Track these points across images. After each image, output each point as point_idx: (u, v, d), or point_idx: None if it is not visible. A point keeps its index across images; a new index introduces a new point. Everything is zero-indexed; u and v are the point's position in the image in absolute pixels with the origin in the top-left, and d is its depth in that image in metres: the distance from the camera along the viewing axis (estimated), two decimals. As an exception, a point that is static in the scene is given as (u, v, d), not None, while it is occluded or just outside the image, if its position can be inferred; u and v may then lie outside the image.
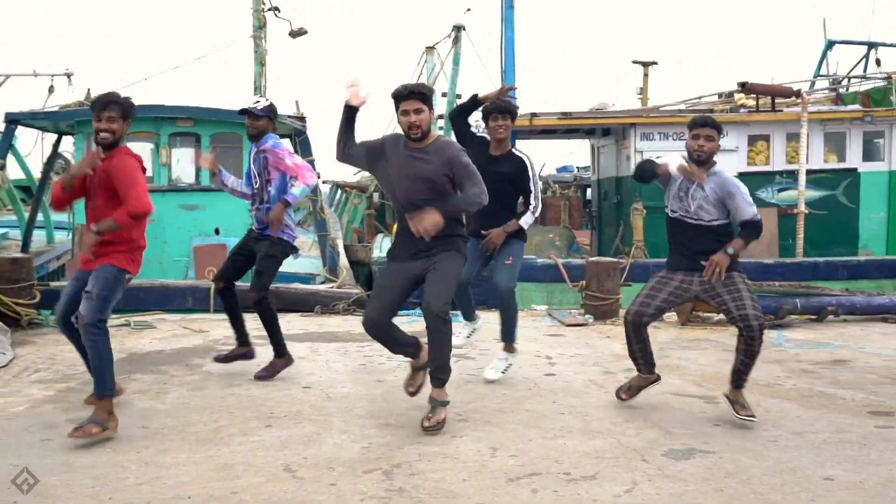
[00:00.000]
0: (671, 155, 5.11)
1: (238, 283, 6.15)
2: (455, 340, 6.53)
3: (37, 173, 15.36)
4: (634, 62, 24.55)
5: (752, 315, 4.79)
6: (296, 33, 16.57)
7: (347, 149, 4.86)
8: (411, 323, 8.85)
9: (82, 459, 4.17)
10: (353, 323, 8.74)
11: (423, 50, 22.93)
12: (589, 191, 20.77)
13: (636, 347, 5.27)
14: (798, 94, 14.39)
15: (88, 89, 14.67)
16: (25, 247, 13.02)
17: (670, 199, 5.12)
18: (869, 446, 4.46)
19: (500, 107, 5.95)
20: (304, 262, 13.36)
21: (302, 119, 13.00)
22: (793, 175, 14.28)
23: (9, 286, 8.35)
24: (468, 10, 21.93)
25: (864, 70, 19.59)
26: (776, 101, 14.61)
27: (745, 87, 14.51)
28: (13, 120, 12.21)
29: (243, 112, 6.06)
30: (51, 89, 17.70)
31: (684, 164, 4.90)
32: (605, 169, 16.49)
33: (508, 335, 6.05)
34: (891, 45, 20.04)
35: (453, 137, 5.95)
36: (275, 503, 3.58)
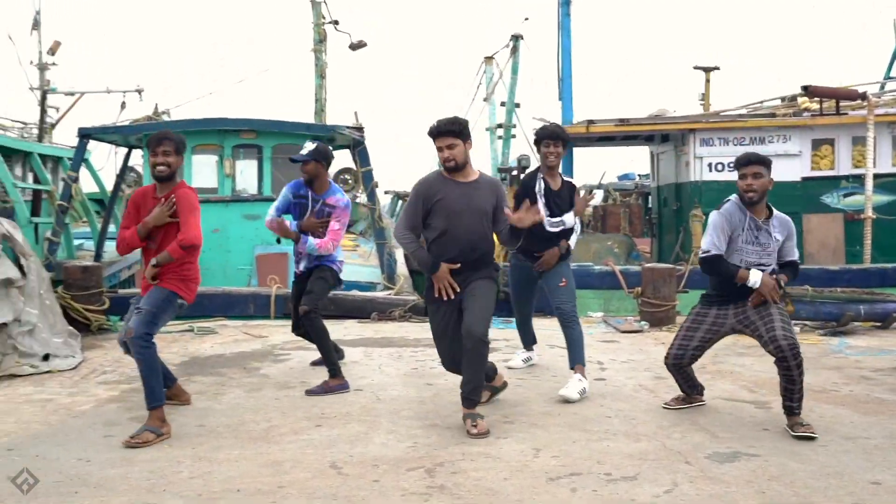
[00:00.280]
0: (753, 273, 4.89)
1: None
2: (511, 362, 6.68)
3: (109, 186, 15.93)
4: (696, 67, 24.32)
5: (781, 335, 4.70)
6: (356, 46, 16.93)
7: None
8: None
9: (141, 455, 4.37)
10: (408, 329, 8.87)
11: (482, 60, 23.16)
12: (650, 198, 20.55)
13: (679, 380, 5.33)
14: (863, 96, 14.01)
15: (156, 104, 15.22)
16: (98, 257, 13.49)
17: (732, 252, 4.96)
18: (923, 452, 4.37)
19: (552, 132, 5.99)
20: (363, 270, 13.57)
21: (360, 129, 13.22)
22: (859, 179, 13.89)
23: (80, 293, 8.73)
24: (526, 19, 22.19)
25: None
26: (841, 104, 14.25)
27: (808, 91, 14.19)
28: (85, 135, 12.70)
29: (293, 161, 6.25)
30: (123, 105, 18.44)
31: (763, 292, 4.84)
32: (665, 176, 16.30)
33: (578, 357, 5.82)
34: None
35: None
36: (319, 497, 3.70)
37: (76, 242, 14.53)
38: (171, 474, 4.04)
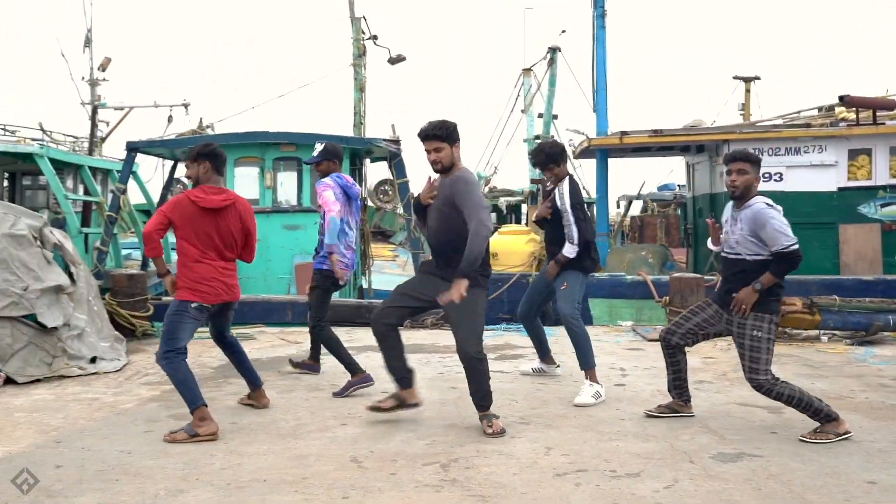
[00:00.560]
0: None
1: None
2: (522, 367, 6.93)
3: (156, 198, 16.49)
4: (735, 77, 24.27)
5: (747, 378, 4.93)
6: (394, 60, 17.28)
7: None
8: (495, 337, 9.18)
9: (177, 448, 4.70)
10: (439, 336, 9.13)
11: (520, 72, 23.40)
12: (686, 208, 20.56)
13: (668, 367, 5.39)
14: (901, 106, 13.94)
15: (201, 118, 15.71)
16: (144, 266, 14.00)
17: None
18: (925, 455, 4.49)
19: (538, 162, 6.41)
20: (400, 280, 13.87)
21: (397, 142, 13.53)
22: (896, 189, 13.84)
23: (126, 300, 9.17)
24: (563, 31, 22.28)
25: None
26: (878, 113, 14.19)
27: (844, 101, 14.16)
28: (133, 148, 13.21)
29: (307, 164, 6.76)
30: (169, 119, 18.99)
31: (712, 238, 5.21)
32: (700, 186, 16.34)
33: (583, 361, 6.06)
34: None
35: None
36: (338, 487, 3.97)
37: (124, 252, 15.06)
38: (204, 465, 4.35)
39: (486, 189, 23.10)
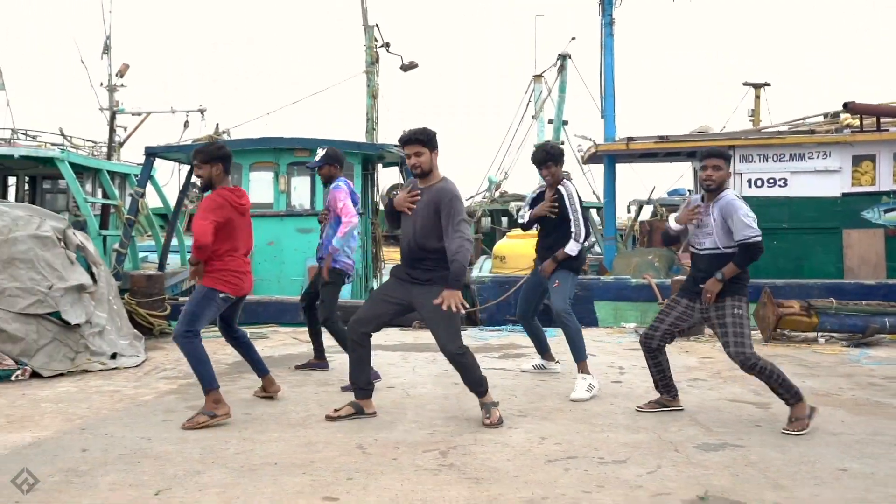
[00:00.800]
0: (672, 216, 5.64)
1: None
2: (524, 366, 7.23)
3: (172, 202, 16.88)
4: (745, 84, 24.45)
5: (734, 352, 5.15)
6: (407, 67, 17.60)
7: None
8: (500, 337, 9.47)
9: (195, 434, 5.02)
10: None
11: (530, 78, 23.68)
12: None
13: (651, 368, 5.68)
14: (905, 113, 14.12)
15: (217, 124, 16.10)
16: (161, 267, 14.35)
17: (692, 235, 5.45)
18: (899, 446, 4.73)
19: (538, 161, 6.69)
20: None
21: (407, 148, 13.83)
22: (900, 195, 14.02)
23: (144, 300, 9.53)
24: (573, 38, 22.53)
25: None
26: (882, 120, 14.39)
27: (847, 108, 14.37)
28: (151, 153, 13.58)
29: (309, 168, 7.16)
30: (186, 124, 19.44)
31: (678, 215, 5.42)
32: (707, 191, 16.59)
33: (576, 355, 6.41)
34: None
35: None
36: (343, 470, 4.27)
37: (141, 254, 15.43)
38: (220, 450, 4.66)
39: (497, 194, 23.36)
